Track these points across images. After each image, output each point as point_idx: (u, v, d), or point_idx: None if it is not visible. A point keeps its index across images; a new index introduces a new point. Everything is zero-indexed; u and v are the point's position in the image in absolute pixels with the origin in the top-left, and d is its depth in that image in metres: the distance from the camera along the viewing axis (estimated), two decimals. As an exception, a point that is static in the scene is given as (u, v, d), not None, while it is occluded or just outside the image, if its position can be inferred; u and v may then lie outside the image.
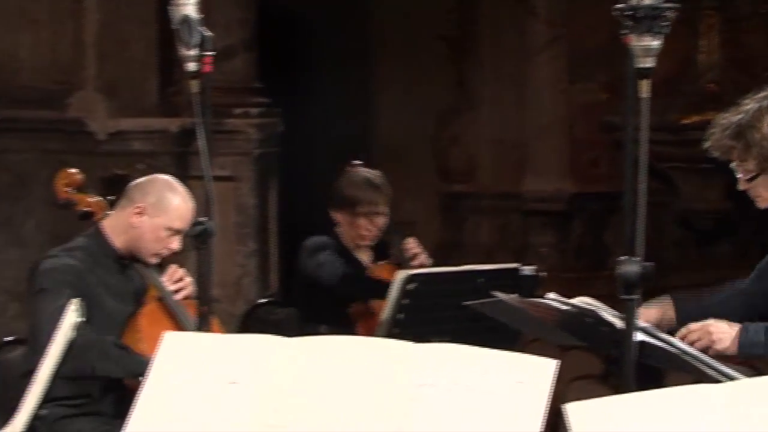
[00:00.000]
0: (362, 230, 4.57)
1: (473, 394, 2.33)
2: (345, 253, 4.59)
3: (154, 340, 2.59)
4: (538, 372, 2.33)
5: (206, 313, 3.11)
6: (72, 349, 3.16)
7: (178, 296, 3.76)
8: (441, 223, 7.35)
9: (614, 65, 6.38)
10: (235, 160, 6.39)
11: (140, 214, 3.71)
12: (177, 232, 3.73)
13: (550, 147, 7.03)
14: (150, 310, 3.72)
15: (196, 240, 3.09)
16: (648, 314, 3.30)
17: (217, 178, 3.33)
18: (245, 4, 6.53)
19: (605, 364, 3.32)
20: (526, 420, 2.29)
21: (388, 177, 4.72)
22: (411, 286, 3.90)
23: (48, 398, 3.26)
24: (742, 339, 3.16)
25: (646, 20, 2.63)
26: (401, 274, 3.94)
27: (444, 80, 7.32)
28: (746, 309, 3.34)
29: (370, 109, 7.50)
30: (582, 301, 3.13)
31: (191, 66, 3.08)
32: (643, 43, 2.65)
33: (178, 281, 3.79)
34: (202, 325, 3.10)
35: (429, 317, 3.92)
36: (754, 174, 3.23)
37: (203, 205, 3.15)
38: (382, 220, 4.59)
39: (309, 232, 4.65)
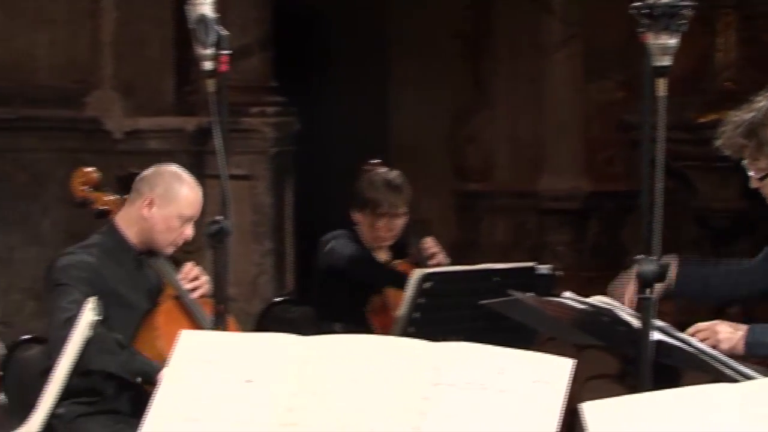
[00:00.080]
0: (382, 231, 4.58)
1: (489, 393, 2.33)
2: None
3: (171, 338, 2.59)
4: (555, 371, 2.32)
5: (222, 312, 3.11)
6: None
7: (195, 295, 3.77)
8: (457, 222, 7.35)
9: (631, 64, 6.37)
10: (251, 159, 6.40)
11: (150, 205, 3.73)
12: (189, 219, 3.75)
13: (566, 146, 7.02)
14: (167, 308, 3.73)
15: (213, 239, 3.10)
16: None
17: (234, 177, 3.33)
18: (261, 4, 6.54)
19: (622, 364, 3.32)
20: (543, 419, 2.29)
21: (404, 176, 4.73)
22: (427, 285, 3.90)
23: (62, 396, 3.28)
24: (749, 339, 3.15)
25: (663, 18, 2.63)
26: (417, 273, 3.94)
27: (460, 79, 7.31)
28: (748, 286, 3.33)
29: (386, 108, 7.50)
30: (598, 300, 3.13)
31: (208, 65, 3.09)
32: (660, 42, 2.65)
33: (194, 280, 3.79)
34: (219, 324, 3.10)
35: (445, 316, 3.92)
36: (766, 172, 3.22)
37: (219, 204, 3.15)
38: (401, 221, 4.61)
39: (325, 230, 4.66)
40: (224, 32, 3.09)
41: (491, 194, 7.25)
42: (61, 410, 3.46)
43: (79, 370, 3.37)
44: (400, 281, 4.11)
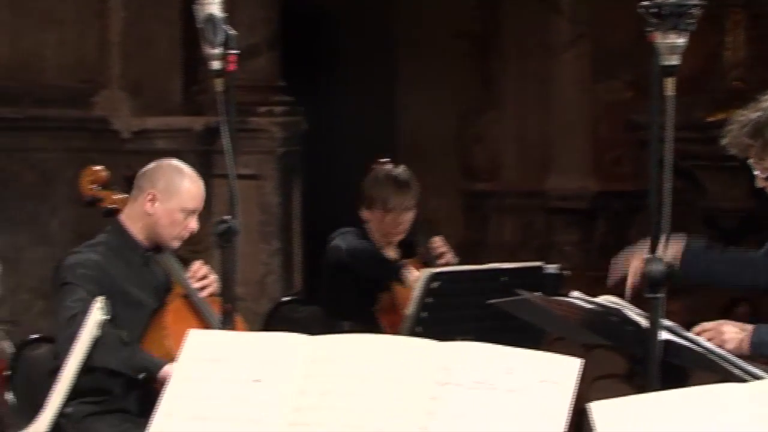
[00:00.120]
0: (391, 227, 4.59)
1: (497, 392, 2.33)
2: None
3: (180, 337, 2.59)
4: (563, 371, 2.32)
5: (230, 311, 3.11)
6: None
7: (203, 293, 3.78)
8: (464, 222, 7.34)
9: (639, 63, 6.36)
10: (259, 159, 6.40)
11: (153, 201, 3.73)
12: (192, 212, 3.76)
13: (574, 145, 7.01)
14: (175, 306, 3.73)
15: (221, 238, 3.10)
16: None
17: (241, 177, 3.33)
18: (269, 3, 6.55)
19: (630, 364, 3.31)
20: (550, 419, 2.29)
21: (410, 171, 4.73)
22: (435, 285, 3.90)
23: (70, 395, 3.28)
24: (755, 339, 3.15)
25: (671, 17, 2.62)
26: (425, 273, 3.95)
27: (468, 78, 7.31)
28: (751, 277, 3.32)
29: (394, 108, 7.50)
30: (606, 299, 3.12)
31: (215, 64, 3.09)
32: (668, 41, 2.64)
33: (202, 278, 3.80)
34: (227, 323, 3.10)
35: (453, 316, 3.92)
36: (771, 172, 3.22)
37: (227, 204, 3.15)
38: (410, 216, 4.61)
39: (332, 230, 4.66)
40: (232, 32, 3.09)
41: (499, 194, 7.25)
42: (69, 409, 3.46)
43: (83, 368, 3.37)
44: (406, 276, 4.13)
